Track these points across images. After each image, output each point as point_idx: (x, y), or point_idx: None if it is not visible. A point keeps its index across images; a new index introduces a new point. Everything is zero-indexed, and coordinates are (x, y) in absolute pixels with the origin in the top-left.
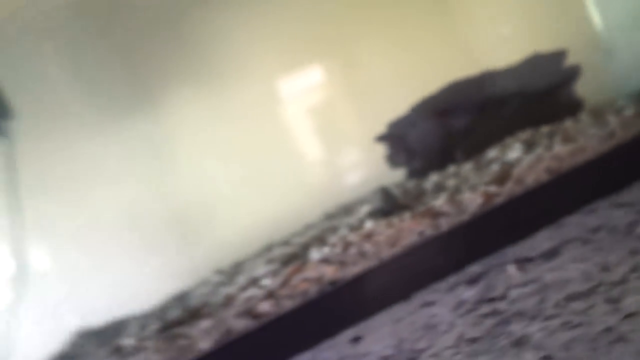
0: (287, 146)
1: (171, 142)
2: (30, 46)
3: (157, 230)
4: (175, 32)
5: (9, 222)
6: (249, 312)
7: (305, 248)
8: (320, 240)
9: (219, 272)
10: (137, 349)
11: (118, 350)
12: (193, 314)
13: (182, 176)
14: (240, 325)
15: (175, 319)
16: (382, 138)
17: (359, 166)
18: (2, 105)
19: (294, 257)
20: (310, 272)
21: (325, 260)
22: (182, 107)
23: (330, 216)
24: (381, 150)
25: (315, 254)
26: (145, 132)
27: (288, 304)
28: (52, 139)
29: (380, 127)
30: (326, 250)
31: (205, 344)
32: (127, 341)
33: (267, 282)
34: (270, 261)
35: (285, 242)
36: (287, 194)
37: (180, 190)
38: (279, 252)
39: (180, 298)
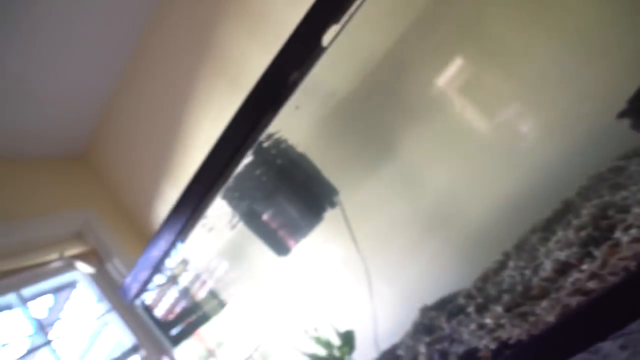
0: (499, 145)
1: (415, 167)
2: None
3: (427, 229)
4: (396, 98)
5: (353, 245)
6: (579, 290)
7: (601, 229)
8: (606, 217)
9: (504, 254)
10: (498, 325)
11: (482, 326)
12: (527, 296)
13: (429, 188)
14: (574, 301)
15: (511, 301)
16: (622, 114)
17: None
18: (332, 187)
19: (593, 239)
20: (625, 252)
21: (635, 240)
22: (415, 142)
23: (585, 189)
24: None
25: (622, 236)
26: (397, 166)
27: (612, 279)
28: (354, 193)
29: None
30: (633, 231)
31: (550, 318)
32: (487, 320)
33: (585, 266)
34: (567, 244)
35: (566, 222)
36: (515, 181)
37: (430, 198)
38: (566, 234)
39: (484, 278)
